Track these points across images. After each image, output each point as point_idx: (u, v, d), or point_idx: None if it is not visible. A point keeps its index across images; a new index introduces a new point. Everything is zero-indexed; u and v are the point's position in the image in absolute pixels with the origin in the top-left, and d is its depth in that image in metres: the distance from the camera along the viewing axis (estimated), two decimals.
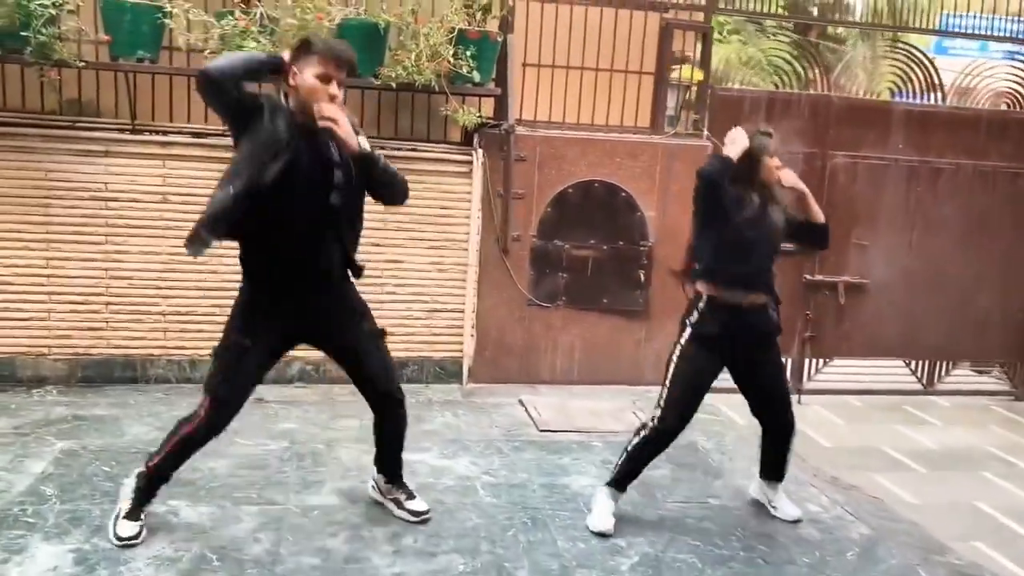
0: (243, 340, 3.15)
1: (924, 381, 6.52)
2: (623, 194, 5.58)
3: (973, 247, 6.28)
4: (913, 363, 6.54)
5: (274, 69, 3.05)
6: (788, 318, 6.04)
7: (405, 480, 3.69)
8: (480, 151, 5.33)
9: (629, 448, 3.65)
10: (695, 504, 3.99)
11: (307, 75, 2.98)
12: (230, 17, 4.54)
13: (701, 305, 3.54)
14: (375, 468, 3.68)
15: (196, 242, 2.95)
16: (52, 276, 4.99)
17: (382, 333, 3.45)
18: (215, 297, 5.07)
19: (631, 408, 5.34)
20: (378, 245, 5.32)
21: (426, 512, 3.60)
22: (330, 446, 4.37)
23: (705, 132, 5.71)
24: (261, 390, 5.03)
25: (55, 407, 4.69)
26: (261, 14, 4.64)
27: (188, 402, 4.66)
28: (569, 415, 5.09)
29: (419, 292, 5.43)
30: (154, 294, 5.09)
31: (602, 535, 3.55)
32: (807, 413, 5.93)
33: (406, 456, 4.22)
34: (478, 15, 5.00)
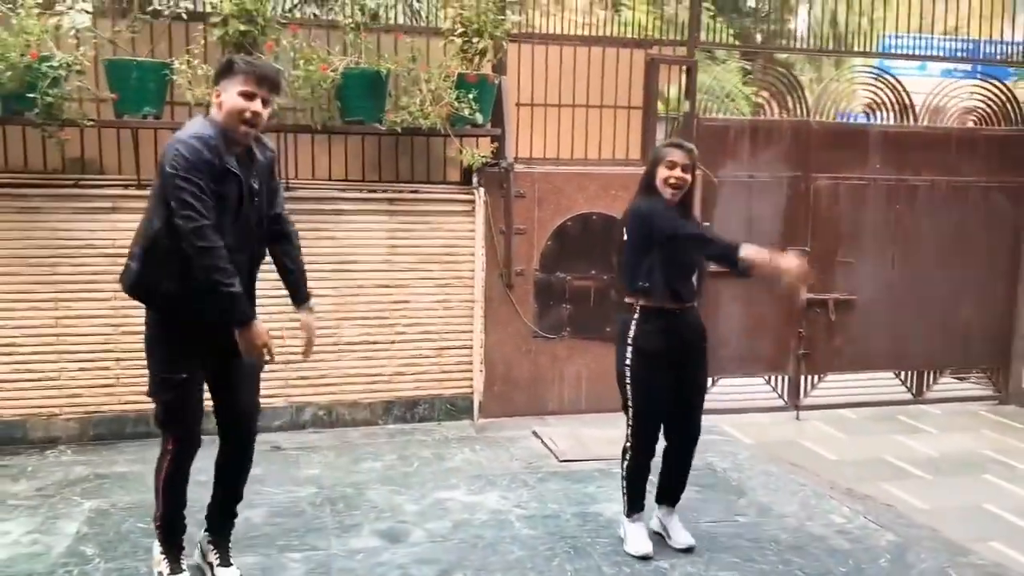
0: (178, 375, 3.13)
1: (914, 391, 6.74)
2: None
3: (952, 258, 6.54)
4: (902, 374, 6.75)
5: (238, 323, 2.99)
6: (782, 337, 6.30)
7: (231, 543, 3.42)
8: (481, 190, 5.44)
9: (624, 474, 3.78)
10: (725, 523, 4.10)
11: (231, 93, 2.99)
12: None
13: (636, 318, 3.61)
14: (206, 522, 3.42)
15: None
16: (61, 335, 4.97)
17: (260, 367, 3.29)
18: None
19: None
20: (386, 286, 5.40)
21: None
22: (358, 489, 4.40)
23: None
24: (277, 438, 5.14)
25: (73, 467, 4.66)
26: None
27: (207, 453, 4.70)
28: (585, 444, 5.18)
29: (427, 331, 5.50)
30: None
31: (644, 558, 3.63)
32: (807, 428, 6.11)
33: (436, 494, 4.31)
34: (475, 59, 5.13)
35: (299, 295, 3.34)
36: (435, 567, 3.54)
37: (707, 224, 5.84)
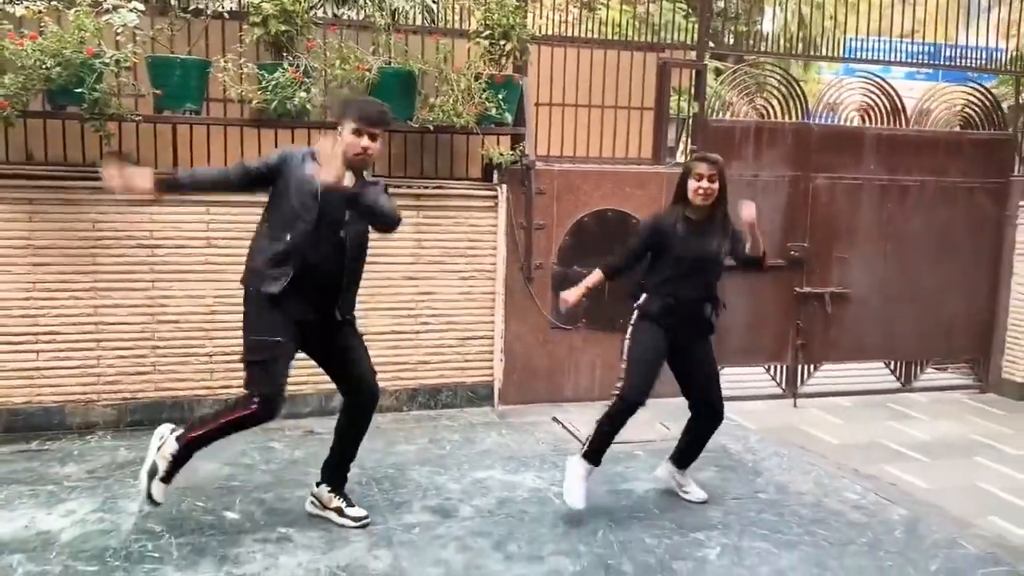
0: (274, 339, 3.56)
1: (902, 380, 7.11)
2: (633, 220, 5.99)
3: (939, 254, 6.92)
4: (892, 364, 7.12)
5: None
6: (781, 328, 6.62)
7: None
8: (504, 186, 5.67)
9: (599, 422, 4.07)
10: (748, 500, 4.39)
11: (346, 132, 3.54)
12: (282, 69, 4.79)
13: (645, 295, 4.11)
14: (321, 478, 3.99)
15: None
16: (100, 323, 5.11)
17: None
18: None
19: (655, 420, 5.71)
20: (412, 278, 5.61)
21: (365, 517, 3.87)
22: (400, 470, 4.62)
23: None
24: (310, 422, 5.33)
25: (117, 451, 4.80)
26: (306, 66, 4.91)
27: (242, 438, 4.89)
28: None
29: (451, 321, 5.72)
30: (200, 336, 5.25)
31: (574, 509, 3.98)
32: (806, 416, 6.42)
33: (474, 474, 4.55)
34: (502, 60, 5.36)
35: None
36: (489, 539, 3.78)
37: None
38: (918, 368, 7.16)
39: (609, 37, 6.22)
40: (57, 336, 5.04)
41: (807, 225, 6.57)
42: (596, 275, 4.22)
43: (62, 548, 3.57)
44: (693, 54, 6.35)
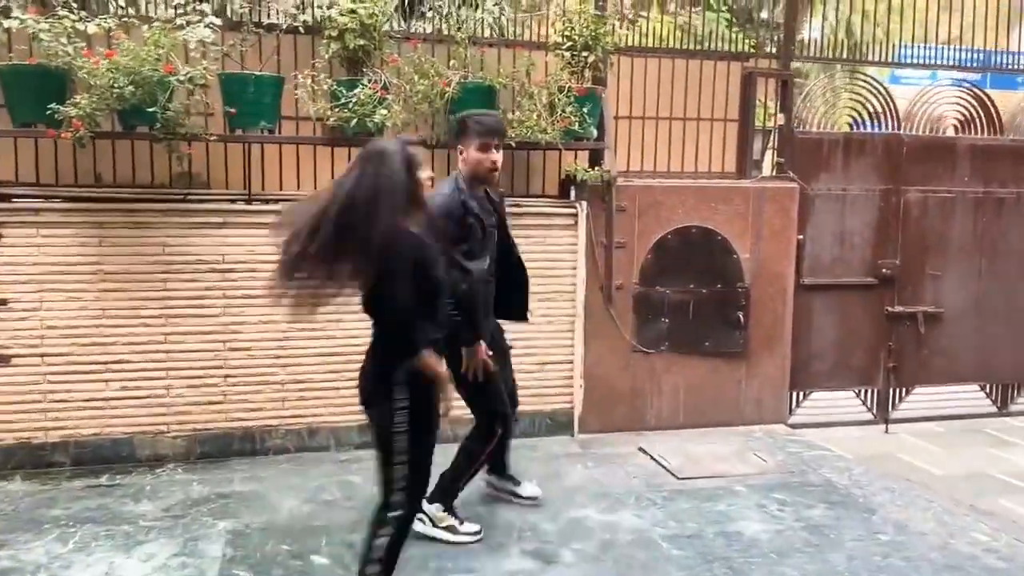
0: None
1: (999, 404, 6.71)
2: (719, 238, 5.70)
3: None
4: (987, 387, 6.72)
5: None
6: (872, 350, 6.27)
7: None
8: (584, 203, 5.40)
9: None
10: (868, 541, 4.06)
11: (471, 151, 3.83)
12: (362, 85, 4.57)
13: None
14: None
15: None
16: (170, 352, 4.90)
17: None
18: (333, 363, 5.04)
19: (747, 450, 5.40)
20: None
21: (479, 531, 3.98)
22: (490, 507, 4.36)
23: (789, 173, 5.88)
24: None
25: (190, 486, 4.58)
26: (386, 81, 4.69)
27: (318, 471, 4.68)
28: (697, 461, 5.13)
29: (530, 345, 5.43)
30: (272, 363, 5.02)
31: None
32: (900, 443, 6.06)
33: (568, 513, 4.28)
34: (584, 72, 5.10)
35: None
36: None
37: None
38: (1015, 391, 6.76)
39: (691, 47, 5.92)
40: (126, 365, 4.85)
41: (898, 241, 6.22)
42: None
43: None
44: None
